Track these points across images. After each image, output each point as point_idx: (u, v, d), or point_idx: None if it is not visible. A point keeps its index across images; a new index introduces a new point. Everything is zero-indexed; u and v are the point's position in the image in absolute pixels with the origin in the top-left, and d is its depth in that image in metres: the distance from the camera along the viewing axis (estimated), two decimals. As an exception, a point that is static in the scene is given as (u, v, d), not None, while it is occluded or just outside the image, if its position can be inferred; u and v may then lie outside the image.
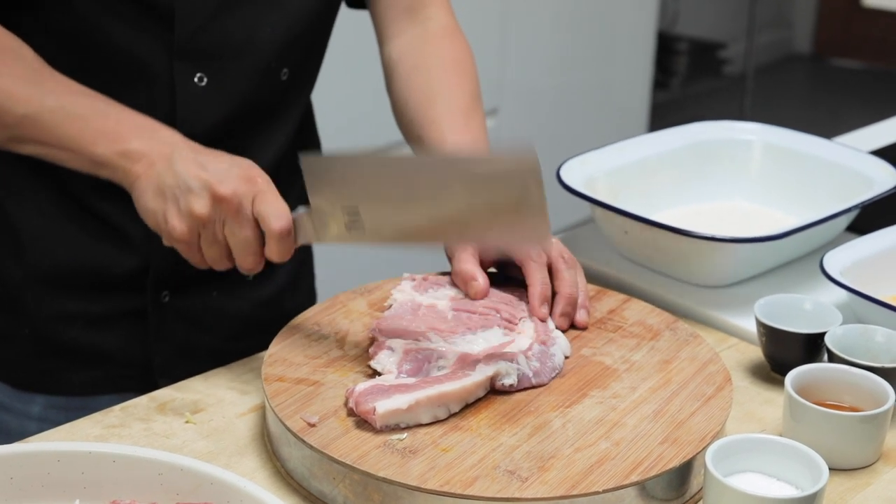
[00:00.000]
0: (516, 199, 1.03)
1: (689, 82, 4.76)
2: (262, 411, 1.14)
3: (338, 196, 1.09)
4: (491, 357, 1.10)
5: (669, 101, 4.66)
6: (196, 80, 1.25)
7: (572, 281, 1.21)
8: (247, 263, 1.13)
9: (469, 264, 1.21)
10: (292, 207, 1.43)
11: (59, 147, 1.16)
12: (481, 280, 1.20)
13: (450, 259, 1.25)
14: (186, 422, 1.14)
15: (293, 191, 1.42)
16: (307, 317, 1.20)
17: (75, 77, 1.21)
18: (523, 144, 1.03)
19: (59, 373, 1.33)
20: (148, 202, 1.13)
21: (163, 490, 0.95)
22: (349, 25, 1.48)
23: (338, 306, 1.22)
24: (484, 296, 1.20)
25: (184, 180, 1.10)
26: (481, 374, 1.08)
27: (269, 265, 1.15)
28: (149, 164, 1.13)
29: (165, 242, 1.14)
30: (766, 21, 5.44)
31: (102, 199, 1.27)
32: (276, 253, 1.11)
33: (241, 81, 1.28)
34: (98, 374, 1.34)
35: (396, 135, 1.40)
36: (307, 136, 1.45)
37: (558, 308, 1.20)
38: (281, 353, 1.14)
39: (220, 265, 1.14)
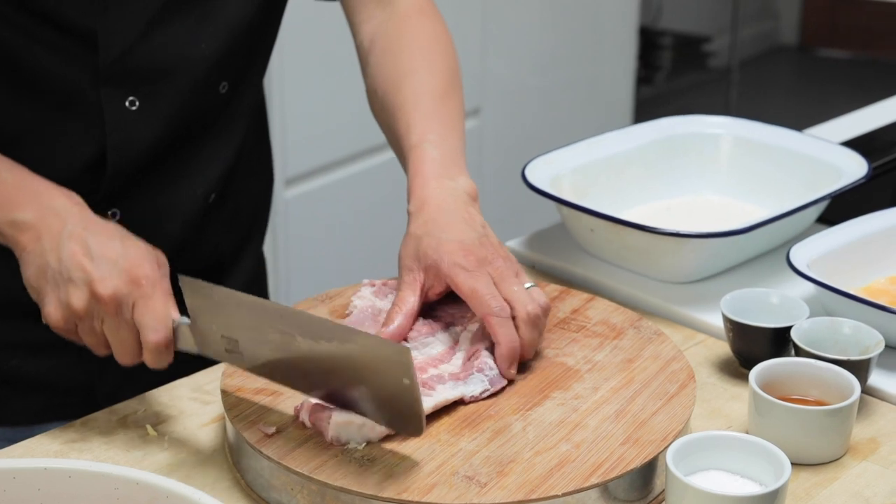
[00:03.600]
0: (389, 385, 0.98)
1: (673, 77, 4.75)
2: (223, 422, 1.13)
3: (217, 324, 1.05)
4: (457, 376, 1.09)
5: (654, 97, 4.65)
6: (127, 104, 1.21)
7: (531, 344, 1.13)
8: (123, 361, 1.09)
9: (400, 303, 1.15)
10: (244, 221, 1.39)
11: None
12: (396, 324, 1.14)
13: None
14: (148, 434, 1.13)
15: (242, 203, 1.39)
16: (268, 325, 1.19)
17: (4, 105, 1.17)
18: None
19: (2, 402, 1.30)
20: (30, 278, 1.08)
21: (119, 504, 0.94)
22: (332, 27, 1.45)
23: (299, 314, 1.21)
24: (394, 338, 1.13)
25: (66, 267, 1.05)
26: (440, 396, 1.06)
27: None
28: (35, 236, 1.08)
29: (43, 321, 1.09)
30: (752, 13, 5.43)
31: None
32: (151, 361, 1.08)
33: (177, 100, 1.23)
34: (41, 402, 1.30)
35: (374, 140, 1.37)
36: (258, 145, 1.41)
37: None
38: (240, 362, 1.13)
39: (99, 353, 1.10)
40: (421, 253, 1.15)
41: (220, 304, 1.04)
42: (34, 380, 1.30)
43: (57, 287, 1.06)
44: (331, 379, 1.02)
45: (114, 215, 1.25)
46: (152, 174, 1.26)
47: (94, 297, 1.05)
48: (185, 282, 1.05)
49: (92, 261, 1.06)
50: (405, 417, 1.00)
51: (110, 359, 1.29)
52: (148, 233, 1.14)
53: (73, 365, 1.29)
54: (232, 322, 1.04)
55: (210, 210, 1.32)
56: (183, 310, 1.08)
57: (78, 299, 1.05)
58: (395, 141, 1.28)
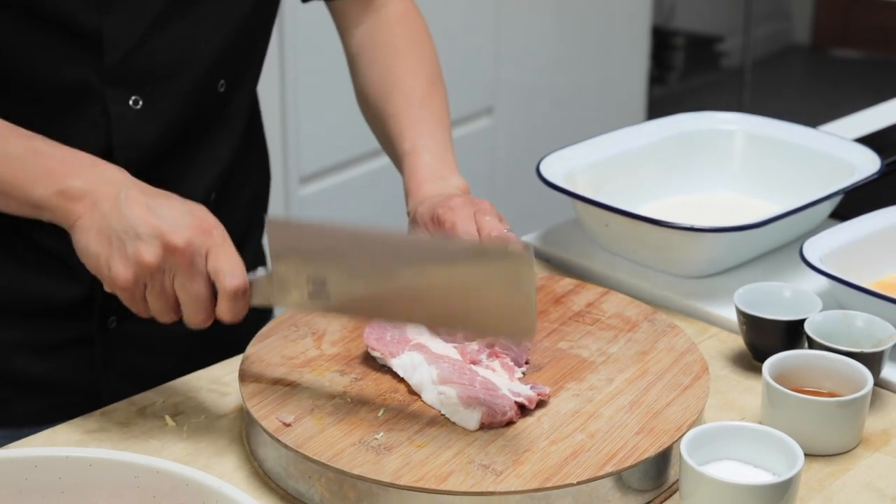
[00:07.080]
0: (504, 290, 0.98)
1: (686, 77, 4.75)
2: (241, 412, 1.14)
3: (304, 265, 1.05)
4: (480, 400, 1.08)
5: (667, 97, 4.65)
6: (131, 103, 1.21)
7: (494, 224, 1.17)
8: (195, 320, 1.06)
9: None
10: (243, 218, 1.40)
11: None
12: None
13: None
14: (166, 424, 1.14)
15: (241, 201, 1.39)
16: (284, 318, 1.20)
17: (9, 109, 1.17)
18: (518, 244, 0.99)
19: (5, 403, 1.30)
20: (90, 244, 1.06)
21: (140, 492, 0.95)
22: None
23: (316, 306, 1.22)
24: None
25: (132, 225, 1.04)
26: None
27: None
28: (91, 203, 1.06)
29: (106, 288, 1.07)
30: (764, 13, 5.43)
31: (42, 230, 1.19)
32: (227, 312, 1.05)
33: (179, 99, 1.24)
34: (45, 403, 1.30)
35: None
36: (254, 143, 1.42)
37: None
38: (258, 353, 1.14)
39: (165, 318, 1.08)
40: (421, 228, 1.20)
41: (311, 240, 1.04)
42: (37, 381, 1.29)
43: (124, 246, 1.04)
44: (434, 299, 1.02)
45: None
46: (155, 174, 1.25)
47: (166, 249, 1.03)
48: (273, 223, 1.05)
49: (159, 217, 1.04)
50: (516, 322, 1.01)
51: (112, 359, 1.29)
52: None
53: (76, 365, 1.29)
54: (322, 261, 1.04)
55: (210, 209, 1.32)
56: None
57: (150, 254, 1.03)
58: (389, 146, 1.36)
